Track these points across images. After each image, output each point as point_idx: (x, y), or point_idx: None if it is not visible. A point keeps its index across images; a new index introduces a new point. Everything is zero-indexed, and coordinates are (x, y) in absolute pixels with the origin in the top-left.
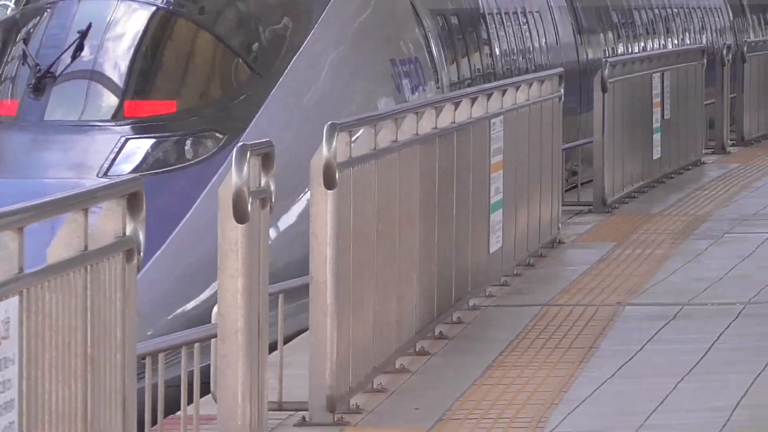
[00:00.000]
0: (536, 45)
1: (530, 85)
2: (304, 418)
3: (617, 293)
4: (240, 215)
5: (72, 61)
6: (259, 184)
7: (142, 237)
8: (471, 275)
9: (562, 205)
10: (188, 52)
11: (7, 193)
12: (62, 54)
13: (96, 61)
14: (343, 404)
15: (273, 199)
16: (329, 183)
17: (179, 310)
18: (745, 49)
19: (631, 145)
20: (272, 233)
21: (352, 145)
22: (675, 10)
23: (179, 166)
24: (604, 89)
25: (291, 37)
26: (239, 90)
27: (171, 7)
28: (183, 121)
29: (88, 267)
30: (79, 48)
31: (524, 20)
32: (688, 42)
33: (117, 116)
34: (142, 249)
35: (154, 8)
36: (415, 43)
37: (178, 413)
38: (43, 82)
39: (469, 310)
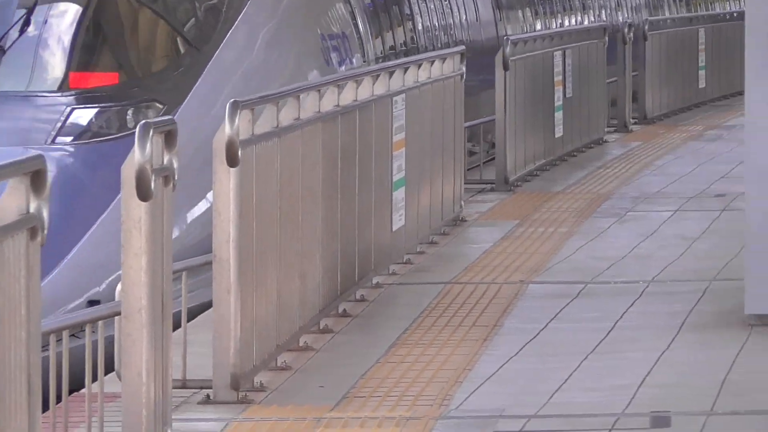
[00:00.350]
0: (457, 21)
1: (432, 63)
2: (208, 396)
3: (520, 271)
4: (143, 193)
5: (19, 36)
6: (162, 161)
7: (45, 214)
8: (374, 253)
9: (465, 183)
10: (129, 27)
11: None
12: (10, 29)
13: (42, 35)
14: (247, 382)
15: (176, 177)
16: (232, 161)
17: None
18: (647, 27)
19: (533, 124)
20: (204, 205)
21: (255, 123)
22: None
23: (122, 134)
24: (505, 67)
25: (226, 13)
26: (178, 63)
27: None
28: (125, 92)
29: None
30: (26, 23)
31: None
32: (605, 18)
33: (62, 87)
34: (46, 226)
35: None
36: (342, 19)
37: (83, 391)
38: None
39: (373, 288)
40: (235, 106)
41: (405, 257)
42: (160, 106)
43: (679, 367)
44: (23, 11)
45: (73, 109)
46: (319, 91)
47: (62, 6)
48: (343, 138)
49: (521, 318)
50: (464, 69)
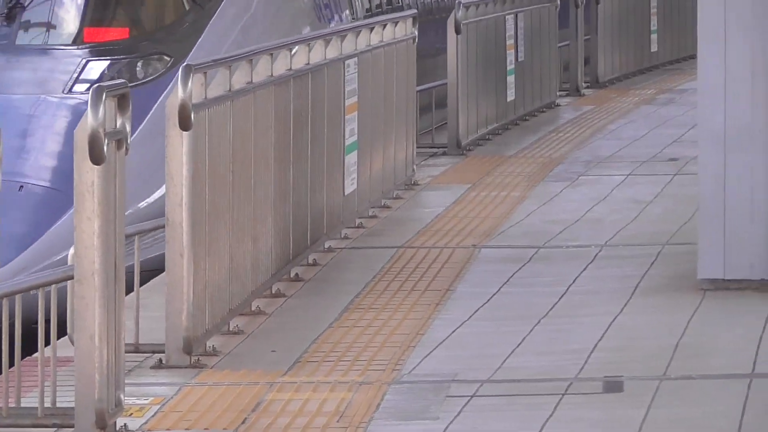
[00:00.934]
0: None
1: (384, 26)
2: (161, 360)
3: (473, 235)
4: (96, 156)
5: None
6: (115, 125)
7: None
8: (326, 217)
9: (417, 147)
10: None
11: None
12: None
13: None
14: (199, 346)
15: (129, 141)
16: (184, 124)
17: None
18: None
19: (486, 88)
20: None
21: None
22: None
23: (133, 84)
24: (457, 31)
25: None
26: (183, 18)
27: None
28: (135, 45)
29: None
30: None
31: None
32: None
33: (77, 41)
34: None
35: None
36: None
37: (35, 355)
38: (13, 11)
39: (325, 252)
40: (188, 70)
41: (357, 221)
42: (168, 58)
43: (631, 331)
44: None
45: (87, 61)
46: (271, 54)
47: None
48: (295, 102)
49: (474, 282)
50: (416, 33)
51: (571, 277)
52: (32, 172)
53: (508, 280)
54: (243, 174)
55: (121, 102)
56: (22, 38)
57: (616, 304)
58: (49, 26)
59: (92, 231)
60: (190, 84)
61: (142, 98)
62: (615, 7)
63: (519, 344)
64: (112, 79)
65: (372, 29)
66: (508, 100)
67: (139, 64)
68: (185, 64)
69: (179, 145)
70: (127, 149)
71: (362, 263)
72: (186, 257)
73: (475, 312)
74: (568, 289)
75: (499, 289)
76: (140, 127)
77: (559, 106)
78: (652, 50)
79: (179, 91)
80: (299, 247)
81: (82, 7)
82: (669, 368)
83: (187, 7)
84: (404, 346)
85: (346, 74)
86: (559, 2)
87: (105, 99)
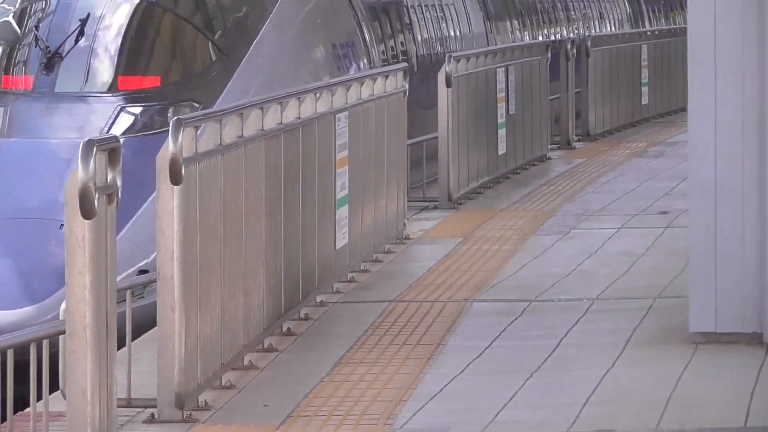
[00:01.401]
0: (451, 33)
1: (374, 80)
2: (153, 414)
3: (465, 289)
4: (86, 211)
5: (75, 44)
6: (106, 179)
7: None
8: (318, 271)
9: (408, 201)
10: (169, 37)
11: (25, 150)
12: (67, 38)
13: (95, 43)
14: (191, 401)
15: (120, 195)
16: (175, 178)
17: None
18: (589, 43)
19: (477, 140)
20: None
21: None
22: (574, 2)
23: (164, 129)
24: (448, 84)
25: (251, 25)
26: (211, 67)
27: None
28: (166, 92)
29: None
30: (81, 33)
31: (441, 11)
32: (592, 31)
33: (112, 89)
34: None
35: (138, 0)
36: (350, 29)
37: (28, 410)
38: (52, 60)
39: (317, 306)
40: (179, 124)
41: (349, 275)
42: (197, 105)
43: (624, 384)
44: (77, 23)
45: (121, 108)
46: (262, 108)
47: (110, 18)
48: (286, 155)
49: (466, 336)
50: (407, 86)
51: (563, 330)
52: None
53: (500, 334)
54: (234, 228)
55: (112, 156)
56: (61, 86)
57: (608, 357)
58: (86, 75)
59: (83, 285)
60: (180, 138)
61: None
62: (605, 60)
63: (511, 398)
64: (144, 124)
65: (362, 83)
66: (500, 153)
67: (170, 110)
68: (176, 118)
69: (170, 199)
70: (118, 203)
71: (354, 317)
72: (177, 311)
73: (468, 366)
74: (560, 342)
75: (491, 343)
76: None
77: (551, 159)
78: (642, 103)
79: (170, 145)
80: (291, 301)
81: (116, 57)
82: (661, 421)
83: (214, 57)
84: (396, 400)
85: (336, 128)
86: (549, 55)
87: (95, 153)
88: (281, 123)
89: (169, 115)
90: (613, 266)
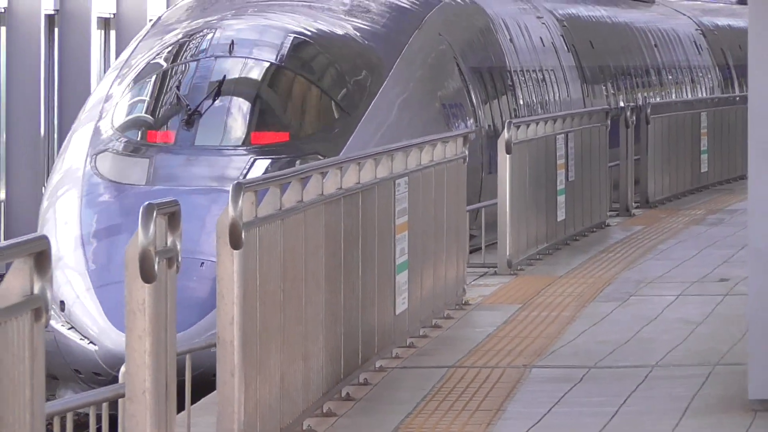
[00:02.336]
0: (551, 98)
1: (434, 146)
2: None
3: (523, 355)
4: (147, 275)
5: (213, 103)
6: (166, 243)
7: (49, 295)
8: (377, 336)
9: (468, 266)
10: (296, 96)
11: (168, 196)
12: (206, 97)
13: (230, 102)
14: None
15: (180, 259)
16: (235, 243)
17: None
18: (649, 110)
19: (536, 207)
20: None
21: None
22: (667, 69)
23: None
24: (508, 151)
25: (370, 87)
26: (334, 124)
27: (283, 63)
28: (294, 147)
29: None
30: (218, 93)
31: (541, 76)
32: (680, 95)
33: (245, 143)
34: (50, 307)
35: (269, 64)
36: (459, 91)
37: None
38: (192, 117)
39: (376, 371)
40: (239, 189)
41: (408, 340)
42: (321, 157)
43: None
44: (215, 84)
45: (254, 160)
46: (322, 173)
47: (245, 79)
48: (346, 220)
49: (525, 402)
50: (467, 152)
51: (621, 397)
52: (210, 251)
53: (559, 401)
54: (294, 292)
55: (172, 220)
56: (200, 140)
57: (667, 425)
58: (223, 130)
59: (143, 349)
60: (240, 202)
61: None
62: (665, 128)
63: None
64: None
65: (422, 149)
66: (559, 219)
67: (297, 162)
68: (236, 182)
69: (230, 263)
70: (178, 267)
71: (413, 383)
72: (237, 376)
73: None
74: (618, 409)
75: (550, 410)
76: None
77: (609, 226)
78: (702, 170)
79: (230, 209)
80: (350, 366)
81: (249, 115)
82: None
83: (337, 115)
84: None
85: (396, 193)
86: (609, 123)
87: (155, 217)
88: (341, 188)
89: (296, 166)
90: (672, 333)
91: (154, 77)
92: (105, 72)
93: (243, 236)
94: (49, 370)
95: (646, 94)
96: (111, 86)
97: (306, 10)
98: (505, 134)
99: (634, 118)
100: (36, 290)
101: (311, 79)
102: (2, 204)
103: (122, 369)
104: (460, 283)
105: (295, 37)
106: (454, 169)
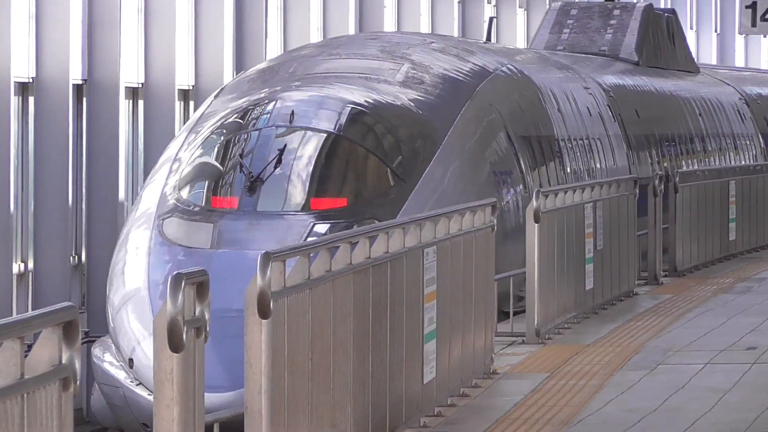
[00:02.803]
0: (597, 165)
1: (463, 215)
2: None
3: (551, 424)
4: (175, 344)
5: (274, 170)
6: (194, 312)
7: (78, 365)
8: (405, 405)
9: (495, 335)
10: (353, 164)
11: (232, 260)
12: (267, 165)
13: (291, 170)
14: None
15: (208, 329)
16: (263, 312)
17: None
18: (677, 179)
19: (564, 275)
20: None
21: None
22: (711, 137)
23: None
24: (536, 220)
25: (424, 155)
26: (389, 191)
27: (340, 133)
28: (352, 212)
29: (25, 395)
30: (279, 161)
31: (588, 144)
32: (723, 163)
33: (305, 208)
34: (78, 377)
35: (326, 134)
36: (509, 159)
37: None
38: (255, 184)
39: None
40: (267, 258)
41: (436, 410)
42: (378, 222)
43: None
44: (276, 152)
45: (314, 225)
46: (350, 243)
47: (304, 148)
48: (374, 290)
49: None
50: (495, 221)
51: None
52: None
53: None
54: (322, 362)
55: (200, 289)
56: (262, 206)
57: None
58: (284, 197)
59: (171, 419)
60: (269, 272)
61: None
62: (693, 196)
63: None
64: None
65: (450, 218)
66: (587, 288)
67: (355, 227)
68: (264, 252)
69: (258, 333)
70: (206, 337)
71: None
72: None
73: None
74: None
75: None
76: None
77: (638, 294)
78: (730, 239)
79: (258, 279)
80: None
81: (309, 182)
82: None
83: (392, 182)
84: None
85: (425, 262)
86: (637, 191)
87: (184, 287)
88: (369, 257)
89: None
90: (700, 402)
91: (218, 146)
92: (133, 141)
93: (271, 305)
94: (119, 424)
95: (690, 161)
96: (178, 152)
97: (363, 81)
98: (534, 203)
99: (662, 186)
100: (64, 360)
101: (368, 147)
102: (31, 274)
103: None
104: (488, 352)
105: (352, 107)
106: (483, 238)
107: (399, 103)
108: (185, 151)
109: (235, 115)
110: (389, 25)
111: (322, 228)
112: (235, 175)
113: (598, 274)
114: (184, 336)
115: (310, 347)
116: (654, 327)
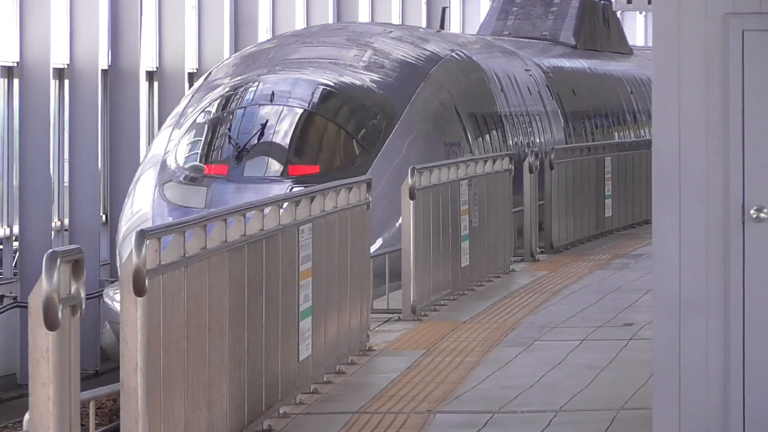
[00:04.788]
0: (537, 139)
1: (338, 192)
2: None
3: (428, 401)
4: (50, 322)
5: (258, 142)
6: (69, 291)
7: (83, 294)
8: (281, 382)
9: (371, 312)
10: (325, 136)
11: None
12: (251, 137)
13: (271, 141)
14: None
15: (83, 307)
16: (139, 290)
17: None
18: (553, 155)
19: (440, 253)
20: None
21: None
22: (642, 113)
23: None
24: (412, 197)
25: (385, 128)
26: (356, 159)
27: (313, 110)
28: (323, 177)
29: None
30: (261, 134)
31: (528, 120)
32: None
33: (284, 174)
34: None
35: (302, 110)
36: (457, 133)
37: None
38: (241, 154)
39: (280, 417)
40: (142, 236)
41: (312, 387)
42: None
43: None
44: (259, 126)
45: (292, 188)
46: (225, 220)
47: (283, 122)
48: (249, 267)
49: None
50: (370, 198)
51: None
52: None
53: None
54: (197, 339)
55: (76, 268)
56: (248, 172)
57: None
58: (266, 164)
59: (47, 397)
60: (144, 250)
61: None
62: (569, 173)
63: None
64: None
65: (326, 195)
66: (463, 265)
67: None
68: (139, 229)
69: (134, 310)
70: (81, 315)
71: (317, 429)
72: (141, 423)
73: None
74: None
75: None
76: None
77: (514, 271)
78: (606, 215)
79: (133, 256)
80: (254, 412)
81: (287, 152)
82: None
83: (358, 152)
84: None
85: (300, 240)
86: (513, 168)
87: (60, 264)
88: (245, 234)
89: None
90: (577, 378)
91: (208, 122)
92: (149, 118)
93: (146, 283)
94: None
95: (622, 134)
96: (172, 131)
97: (332, 66)
98: (409, 180)
99: (538, 163)
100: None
101: (337, 122)
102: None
103: (26, 416)
104: (364, 329)
105: (323, 88)
106: (359, 215)
107: (363, 85)
108: (179, 129)
109: (222, 97)
110: (363, 14)
111: (298, 190)
112: (224, 146)
113: (474, 251)
114: (60, 314)
115: (185, 325)
116: (530, 304)
